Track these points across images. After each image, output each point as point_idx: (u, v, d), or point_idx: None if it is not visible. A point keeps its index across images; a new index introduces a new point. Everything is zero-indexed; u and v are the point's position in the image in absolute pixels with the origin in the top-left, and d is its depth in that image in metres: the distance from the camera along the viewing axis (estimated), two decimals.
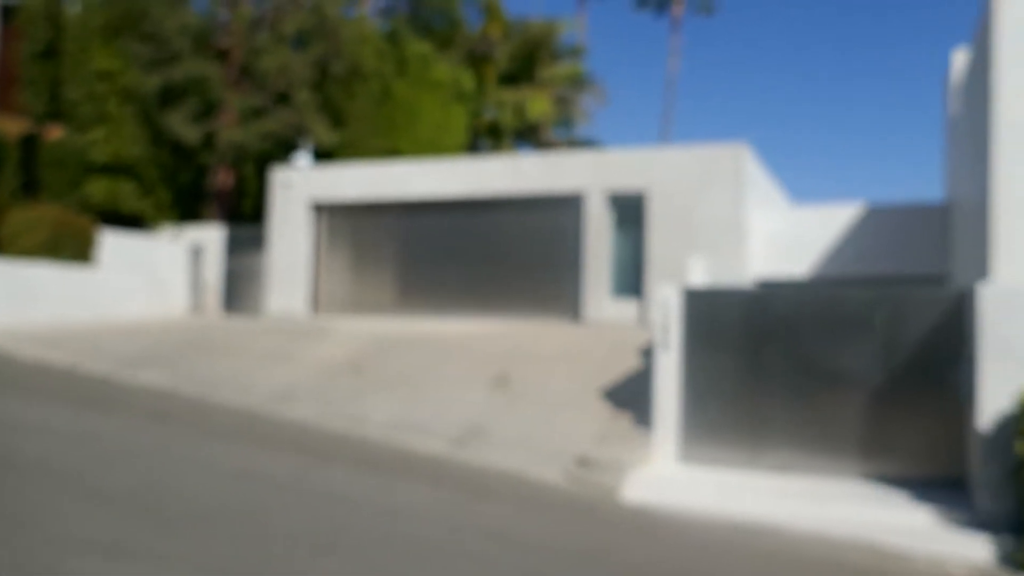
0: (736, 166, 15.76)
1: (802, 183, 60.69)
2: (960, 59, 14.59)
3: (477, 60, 28.49)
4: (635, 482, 9.12)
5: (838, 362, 9.44)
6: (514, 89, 29.39)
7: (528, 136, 30.78)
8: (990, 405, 7.95)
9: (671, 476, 9.48)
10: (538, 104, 29.12)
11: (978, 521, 7.80)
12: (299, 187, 19.66)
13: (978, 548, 7.36)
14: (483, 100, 28.48)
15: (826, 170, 60.40)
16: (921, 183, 62.17)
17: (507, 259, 17.72)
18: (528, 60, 29.93)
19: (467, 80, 25.86)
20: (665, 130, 38.54)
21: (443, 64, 24.97)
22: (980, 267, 9.48)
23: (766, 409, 9.70)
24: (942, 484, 8.89)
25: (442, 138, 24.10)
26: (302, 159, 21.26)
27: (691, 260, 13.47)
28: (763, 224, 16.58)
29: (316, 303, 19.39)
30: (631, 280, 16.69)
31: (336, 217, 19.50)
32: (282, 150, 23.31)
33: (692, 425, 10.00)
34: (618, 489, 8.97)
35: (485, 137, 29.52)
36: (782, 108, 62.66)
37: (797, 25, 62.61)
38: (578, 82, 31.45)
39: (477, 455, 10.00)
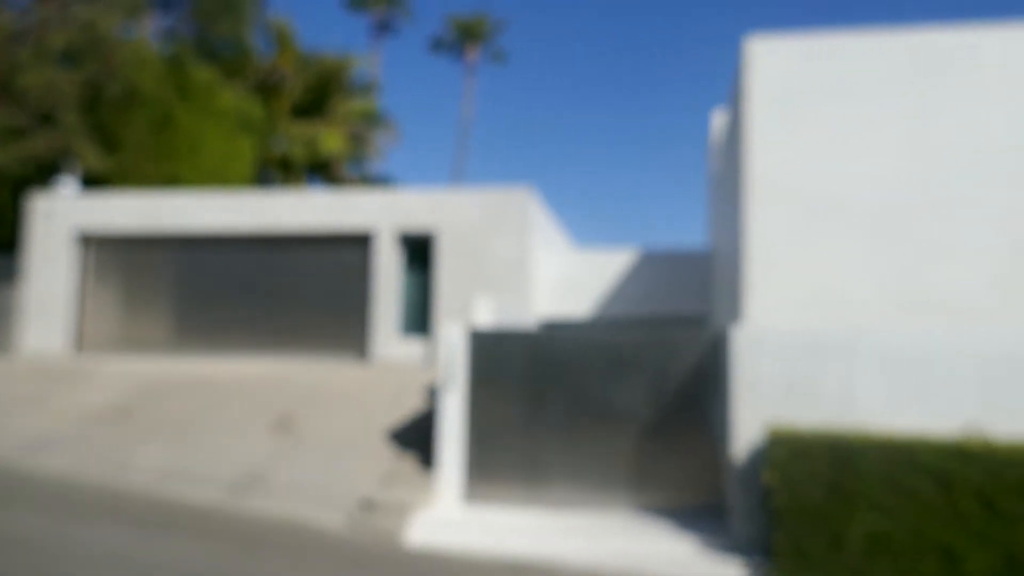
0: (522, 210, 16.32)
1: (586, 228, 63.91)
2: (719, 119, 16.03)
3: (268, 91, 27.75)
4: (418, 525, 9.07)
5: (612, 400, 9.92)
6: (306, 123, 28.87)
7: (320, 171, 30.28)
8: (742, 438, 8.66)
9: (454, 517, 9.51)
10: (331, 139, 28.76)
11: (734, 546, 8.43)
12: (62, 216, 18.12)
13: (733, 571, 7.94)
14: (273, 132, 27.73)
15: (608, 216, 63.96)
16: (695, 231, 67.31)
17: (293, 297, 17.23)
18: (321, 94, 29.53)
19: (256, 110, 25.09)
20: (458, 171, 39.34)
21: (230, 92, 24.09)
22: (735, 311, 10.34)
23: (546, 447, 10.01)
24: (705, 513, 9.53)
25: (227, 169, 23.16)
26: (67, 185, 19.62)
27: (478, 300, 13.72)
28: (548, 266, 17.26)
29: (80, 342, 17.86)
30: (420, 320, 16.75)
31: (106, 249, 18.13)
32: (45, 175, 21.44)
33: (476, 465, 10.12)
34: (401, 532, 8.88)
35: (275, 170, 28.71)
36: (569, 155, 65.89)
37: (584, 75, 66.36)
38: (372, 119, 31.40)
39: (254, 504, 9.56)
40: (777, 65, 9.76)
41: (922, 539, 7.40)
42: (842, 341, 8.59)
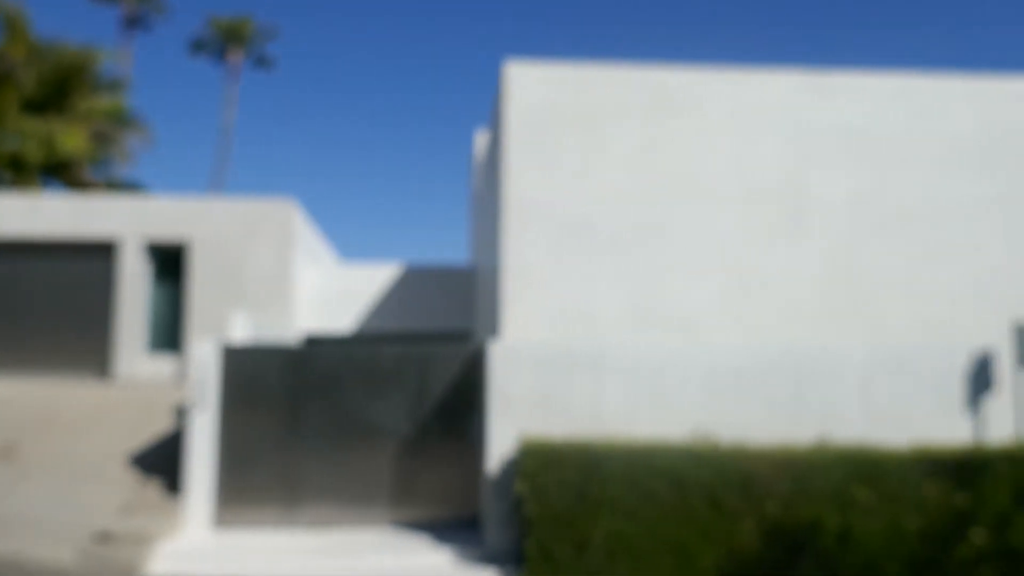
0: (284, 221, 15.86)
1: (351, 242, 63.22)
2: (482, 138, 16.53)
3: None
4: (161, 556, 8.49)
5: (374, 416, 9.87)
6: (42, 119, 26.23)
7: (59, 173, 27.61)
8: (497, 450, 8.94)
9: (204, 545, 9.01)
10: (71, 138, 26.31)
11: (488, 556, 8.66)
12: None
13: None
14: (2, 128, 24.97)
15: (375, 230, 63.69)
16: (460, 247, 68.60)
17: (24, 310, 15.58)
18: (60, 88, 26.96)
19: None
20: (218, 179, 37.48)
21: None
22: (495, 326, 10.68)
23: (305, 466, 9.75)
24: (464, 525, 9.71)
25: None
26: None
27: (234, 315, 13.14)
28: (311, 280, 16.88)
29: None
30: (170, 335, 15.75)
31: None
32: None
33: (229, 488, 9.66)
34: (141, 565, 8.27)
35: (5, 170, 25.84)
36: (335, 167, 64.91)
37: (352, 88, 65.76)
38: (120, 119, 29.12)
39: None
40: (533, 90, 10.23)
41: (658, 538, 7.99)
42: (589, 354, 9.13)
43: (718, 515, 7.98)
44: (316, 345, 10.23)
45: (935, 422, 9.40)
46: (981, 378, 9.64)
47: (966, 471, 7.76)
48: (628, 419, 9.06)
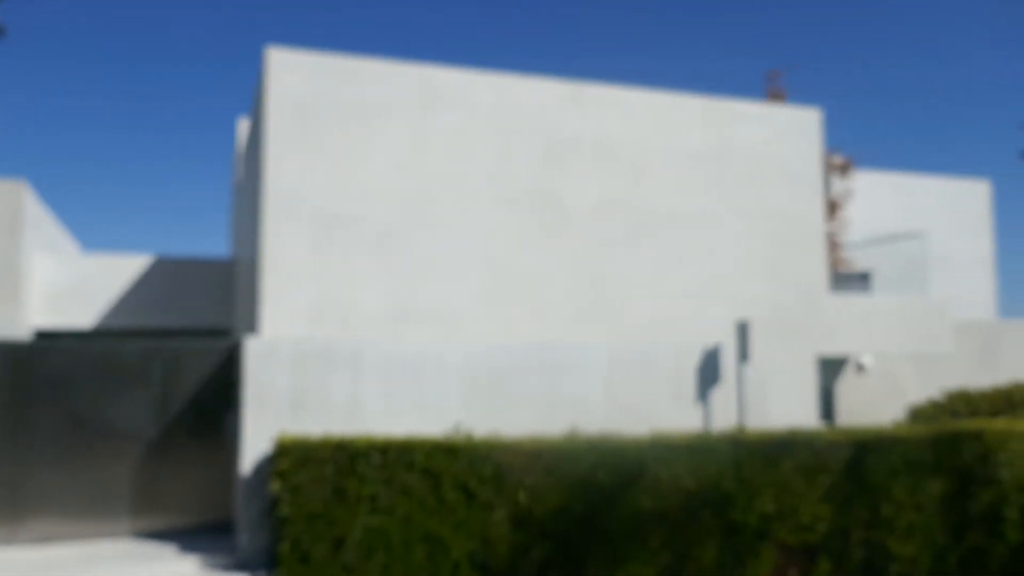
0: (12, 204, 14.31)
1: (96, 231, 58.22)
2: (244, 127, 15.87)
3: None
4: None
5: (114, 418, 9.19)
6: None
7: None
8: (251, 450, 8.63)
9: None
10: None
11: (239, 562, 8.34)
12: None
13: None
14: None
15: (122, 219, 59.07)
16: (219, 239, 65.23)
17: None
18: None
19: None
20: None
21: None
22: (252, 322, 10.29)
23: (31, 476, 8.88)
24: (214, 531, 9.29)
25: None
26: None
27: None
28: (47, 270, 15.35)
29: None
30: None
31: None
32: None
33: None
34: None
35: None
36: (81, 151, 59.49)
37: (101, 69, 60.53)
38: None
39: None
40: (296, 78, 9.97)
41: (414, 532, 8.08)
42: (348, 351, 9.05)
43: (472, 507, 8.20)
44: (47, 341, 9.34)
45: (671, 412, 10.26)
46: (710, 372, 10.64)
47: (695, 455, 8.51)
48: (388, 416, 9.09)
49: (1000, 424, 9.29)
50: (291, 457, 8.08)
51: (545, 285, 10.54)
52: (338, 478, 8.07)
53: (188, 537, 9.07)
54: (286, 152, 9.86)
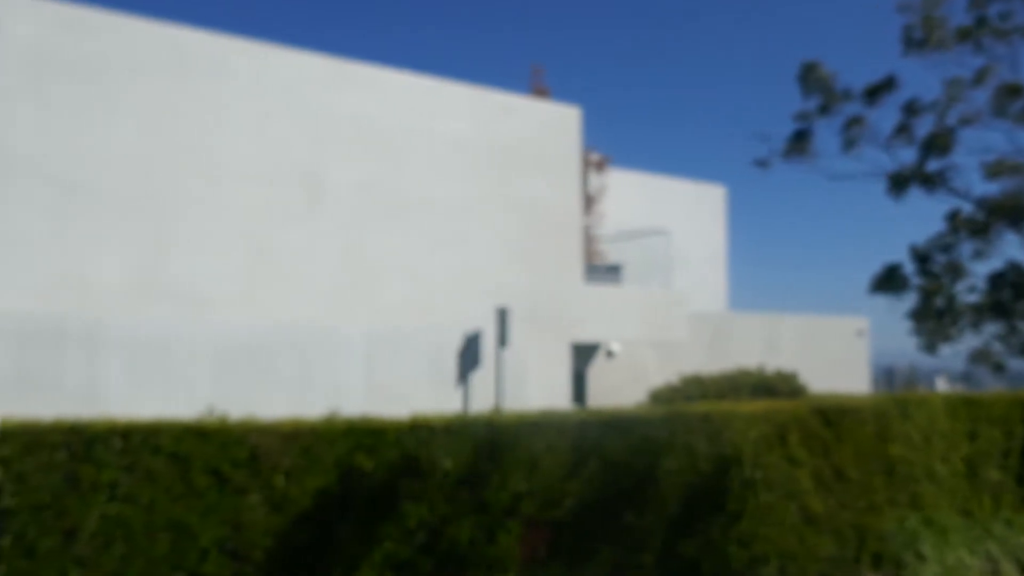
0: None
1: None
2: None
3: None
4: None
5: None
6: None
7: None
8: None
9: None
10: None
11: None
12: None
13: None
14: None
15: None
16: None
17: None
18: None
19: None
20: None
21: None
22: None
23: None
24: None
25: None
26: None
27: None
28: None
29: None
30: None
31: None
32: None
33: None
34: None
35: None
36: None
37: None
38: None
39: None
40: (30, 28, 9.04)
41: (157, 519, 7.64)
42: (86, 328, 8.37)
43: (224, 492, 7.89)
44: None
45: (432, 394, 10.45)
46: (470, 356, 10.95)
47: (453, 437, 8.73)
48: (133, 398, 8.53)
49: (725, 406, 10.34)
50: (15, 442, 7.35)
51: (304, 265, 10.35)
52: (71, 465, 7.46)
53: None
54: (16, 110, 8.93)
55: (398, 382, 10.14)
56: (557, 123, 12.80)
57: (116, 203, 9.19)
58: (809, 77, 15.15)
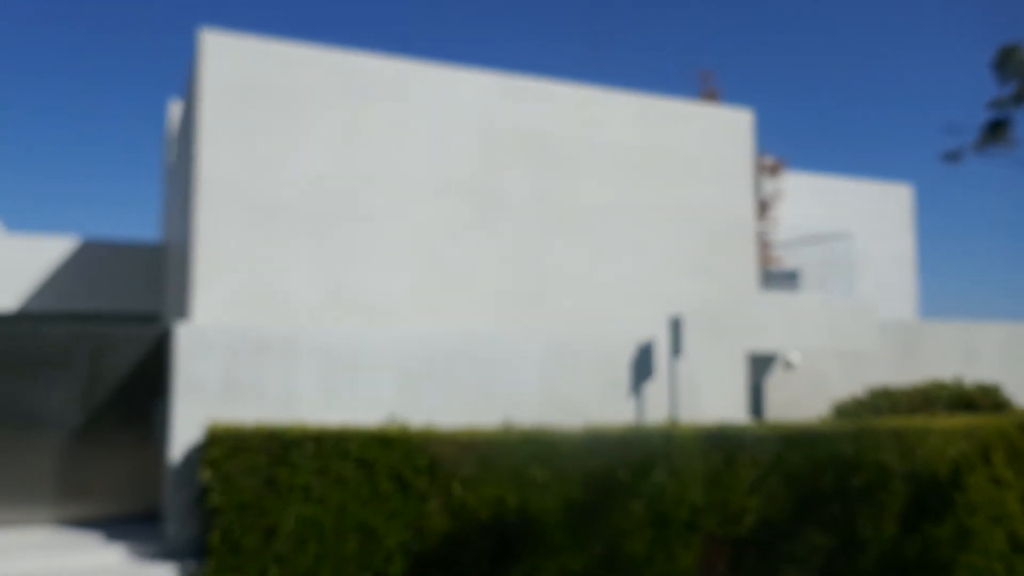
0: None
1: (18, 211, 56.11)
2: (176, 109, 15.49)
3: None
4: None
5: (35, 404, 8.92)
6: None
7: None
8: (181, 438, 8.47)
9: None
10: None
11: (167, 551, 8.19)
12: None
13: None
14: None
15: (46, 200, 57.09)
16: (149, 222, 63.47)
17: None
18: None
19: None
20: None
21: None
22: (183, 307, 10.09)
23: None
24: (141, 520, 9.11)
25: None
26: None
27: None
28: None
29: None
30: None
31: None
32: None
33: None
34: None
35: None
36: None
37: (21, 41, 58.25)
38: None
39: None
40: (231, 63, 9.79)
41: (347, 521, 8.05)
42: (283, 339, 8.95)
43: (406, 497, 8.20)
44: None
45: (604, 405, 10.41)
46: (643, 366, 10.82)
47: (629, 448, 8.66)
48: (322, 405, 9.02)
49: (918, 421, 9.68)
50: (223, 445, 7.96)
51: (476, 276, 10.58)
52: (271, 467, 7.99)
53: (115, 526, 8.87)
54: (220, 137, 9.68)
55: (571, 392, 10.18)
56: (728, 127, 12.48)
57: (308, 222, 9.78)
58: (1008, 61, 13.94)
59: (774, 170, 19.57)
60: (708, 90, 19.78)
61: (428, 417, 9.22)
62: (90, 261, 15.87)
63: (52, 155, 58.23)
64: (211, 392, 8.66)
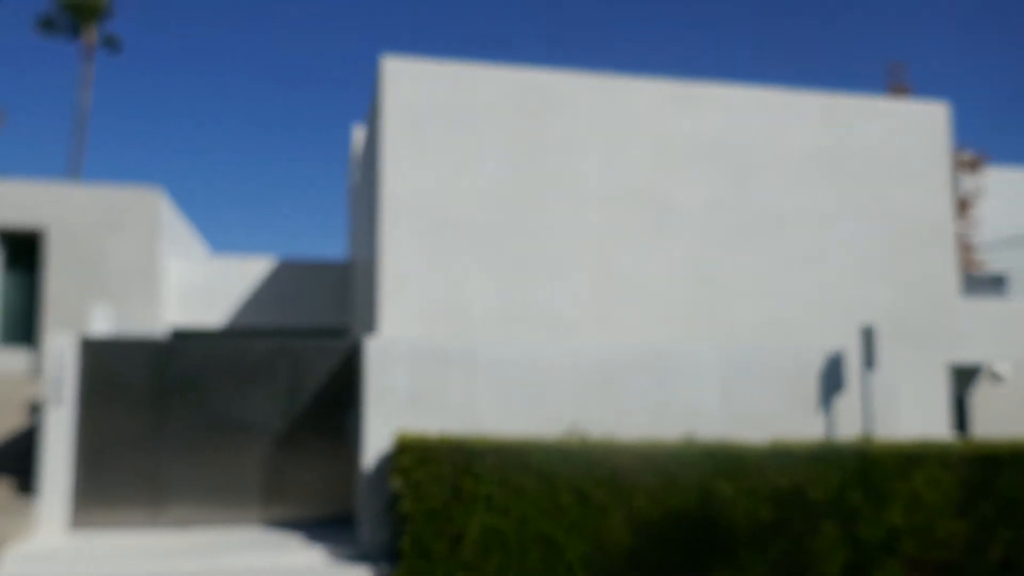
0: (150, 211, 15.21)
1: (222, 233, 61.11)
2: (359, 133, 16.34)
3: None
4: (11, 559, 8.01)
5: (244, 412, 9.62)
6: None
7: None
8: (373, 446, 8.88)
9: (59, 547, 8.55)
10: None
11: (362, 554, 8.60)
12: None
13: None
14: None
15: (246, 223, 61.77)
16: (335, 242, 67.37)
17: None
18: None
19: None
20: (75, 166, 35.47)
21: None
22: (371, 322, 10.60)
23: (171, 465, 9.41)
24: (338, 524, 9.60)
25: None
26: None
27: (95, 307, 12.51)
28: (180, 272, 16.24)
29: None
30: (24, 327, 14.83)
31: None
32: None
33: (88, 488, 9.21)
34: None
35: None
36: (202, 160, 62.59)
37: (221, 78, 63.52)
38: None
39: None
40: (410, 86, 10.21)
41: (528, 532, 8.14)
42: (463, 352, 9.20)
43: (586, 509, 8.20)
44: (183, 339, 9.86)
45: (790, 420, 9.97)
46: (833, 378, 10.29)
47: (819, 465, 8.26)
48: (501, 416, 9.19)
49: None
50: (411, 455, 8.28)
51: (652, 287, 10.44)
52: (456, 476, 8.21)
53: (312, 528, 9.41)
54: (401, 158, 10.12)
55: (755, 406, 9.83)
56: (921, 123, 11.69)
57: (485, 236, 10.04)
58: None
59: (974, 166, 18.14)
60: (898, 85, 18.66)
61: (605, 429, 9.19)
62: (285, 279, 17.03)
63: (250, 183, 63.09)
64: (398, 402, 9.03)
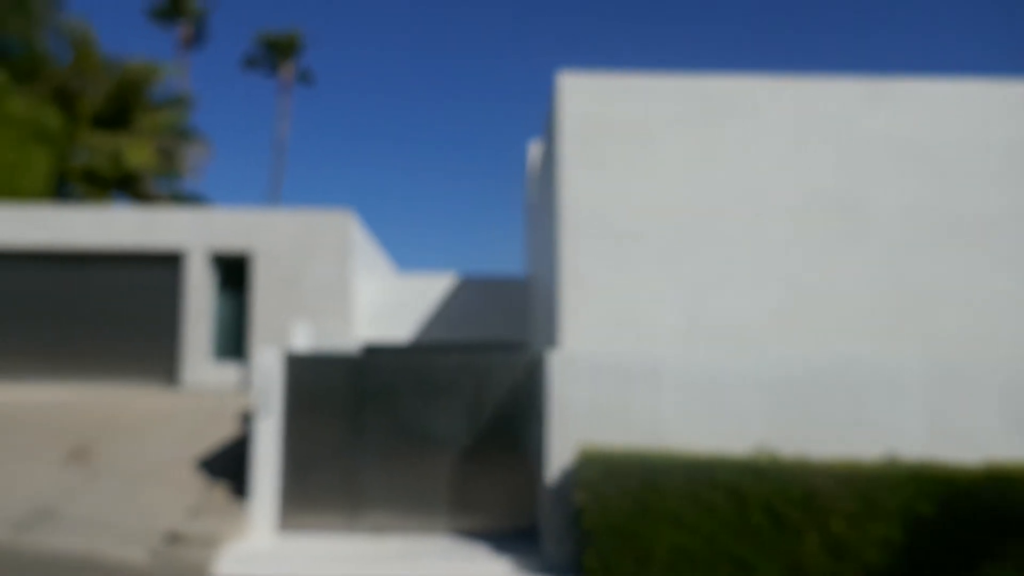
0: (343, 232, 16.14)
1: (407, 252, 63.77)
2: (535, 150, 16.61)
3: (66, 99, 25.81)
4: (228, 557, 8.70)
5: (432, 424, 9.98)
6: (110, 134, 27.09)
7: (127, 187, 28.45)
8: (556, 460, 8.96)
9: (268, 548, 9.19)
10: (138, 153, 27.13)
11: (547, 566, 8.68)
12: None
13: None
14: (73, 143, 25.84)
15: (430, 241, 64.17)
16: (514, 258, 68.75)
17: (95, 319, 16.09)
18: (125, 104, 27.80)
19: (52, 119, 23.31)
20: (275, 192, 38.25)
21: (20, 98, 22.26)
22: (552, 336, 10.71)
23: (365, 473, 9.90)
24: (521, 536, 9.75)
25: (18, 181, 21.37)
26: None
27: (296, 324, 13.42)
28: (369, 290, 17.12)
29: None
30: (235, 344, 16.12)
31: None
32: None
33: (292, 493, 9.85)
34: (208, 566, 8.48)
35: (79, 184, 26.69)
36: (387, 180, 65.66)
37: (402, 100, 66.50)
38: (182, 133, 29.89)
39: (44, 540, 8.82)
40: (585, 100, 10.27)
41: (718, 552, 7.92)
42: (646, 366, 9.11)
43: (779, 530, 7.89)
44: (375, 354, 10.38)
45: (1010, 441, 9.12)
46: None
47: None
48: (685, 431, 9.02)
49: None
50: (595, 469, 8.28)
51: (844, 296, 9.90)
52: (640, 492, 8.13)
53: (496, 539, 9.60)
54: (578, 171, 10.18)
55: (964, 424, 9.10)
56: None
57: (665, 247, 9.92)
58: None
59: None
60: None
61: (795, 446, 8.80)
62: (466, 296, 17.57)
63: (433, 201, 65.60)
64: (579, 416, 9.06)
